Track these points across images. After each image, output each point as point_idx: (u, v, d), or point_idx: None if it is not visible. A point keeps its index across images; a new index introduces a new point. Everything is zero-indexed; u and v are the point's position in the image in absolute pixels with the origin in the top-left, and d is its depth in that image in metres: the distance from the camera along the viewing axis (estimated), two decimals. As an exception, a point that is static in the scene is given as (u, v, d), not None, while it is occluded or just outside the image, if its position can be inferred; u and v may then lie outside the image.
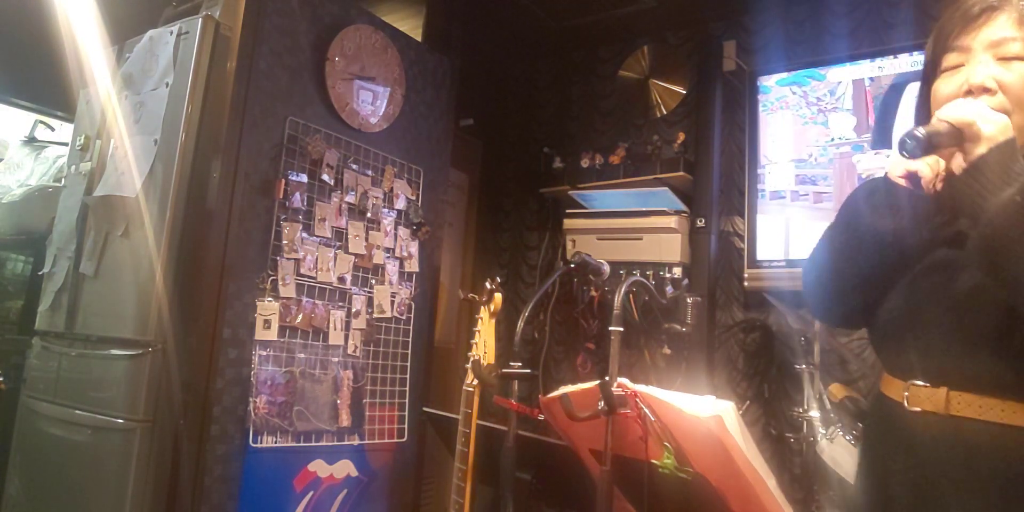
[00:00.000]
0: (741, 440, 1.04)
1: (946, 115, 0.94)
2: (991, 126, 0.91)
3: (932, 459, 1.01)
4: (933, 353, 1.03)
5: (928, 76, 1.10)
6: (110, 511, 1.74)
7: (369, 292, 2.20)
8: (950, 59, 1.04)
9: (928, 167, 0.98)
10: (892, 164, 1.03)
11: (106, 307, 1.95)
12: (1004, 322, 0.95)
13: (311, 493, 2.01)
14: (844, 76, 2.40)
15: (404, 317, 2.32)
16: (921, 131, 0.92)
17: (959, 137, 0.93)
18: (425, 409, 2.09)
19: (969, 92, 0.99)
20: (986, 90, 0.98)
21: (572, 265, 2.03)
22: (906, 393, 1.04)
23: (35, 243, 2.89)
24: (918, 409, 1.02)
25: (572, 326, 2.88)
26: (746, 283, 2.52)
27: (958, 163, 0.95)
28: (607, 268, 2.15)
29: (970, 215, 0.93)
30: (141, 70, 2.05)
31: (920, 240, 1.06)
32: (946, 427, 1.00)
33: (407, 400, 2.28)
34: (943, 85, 1.05)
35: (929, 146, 0.93)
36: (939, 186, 0.99)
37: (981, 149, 0.91)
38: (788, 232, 2.47)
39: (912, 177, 1.00)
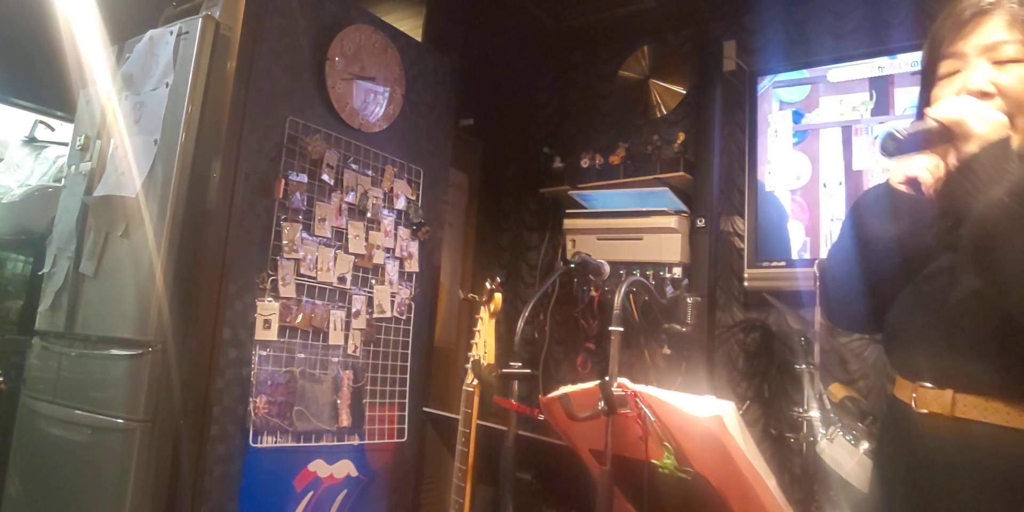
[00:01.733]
0: (741, 440, 1.04)
1: (936, 114, 0.93)
2: (983, 124, 0.90)
3: (936, 460, 1.00)
4: (939, 355, 1.02)
5: (926, 83, 1.09)
6: (110, 511, 1.75)
7: (369, 292, 2.20)
8: (946, 66, 1.04)
9: (928, 172, 0.97)
10: (894, 170, 1.03)
11: (106, 307, 1.95)
12: (1005, 325, 0.94)
13: (311, 493, 2.01)
14: (844, 76, 2.40)
15: (404, 317, 2.32)
16: (901, 131, 0.92)
17: (949, 136, 0.92)
18: (425, 409, 2.09)
19: None
20: (984, 95, 0.97)
21: (572, 265, 2.03)
22: (914, 395, 1.03)
23: (35, 243, 2.89)
24: (925, 411, 1.01)
25: (572, 326, 2.88)
26: (746, 283, 2.52)
27: (952, 162, 0.94)
28: (607, 268, 2.15)
29: (960, 214, 0.92)
30: (141, 70, 2.05)
31: (923, 245, 1.05)
32: (951, 429, 0.99)
33: (407, 400, 2.28)
34: (941, 92, 1.04)
35: (911, 146, 0.93)
36: (930, 180, 0.98)
37: (972, 147, 0.90)
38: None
39: (913, 183, 0.99)
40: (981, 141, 0.90)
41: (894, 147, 0.93)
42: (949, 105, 0.94)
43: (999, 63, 0.98)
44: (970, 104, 0.94)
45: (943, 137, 0.92)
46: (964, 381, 0.99)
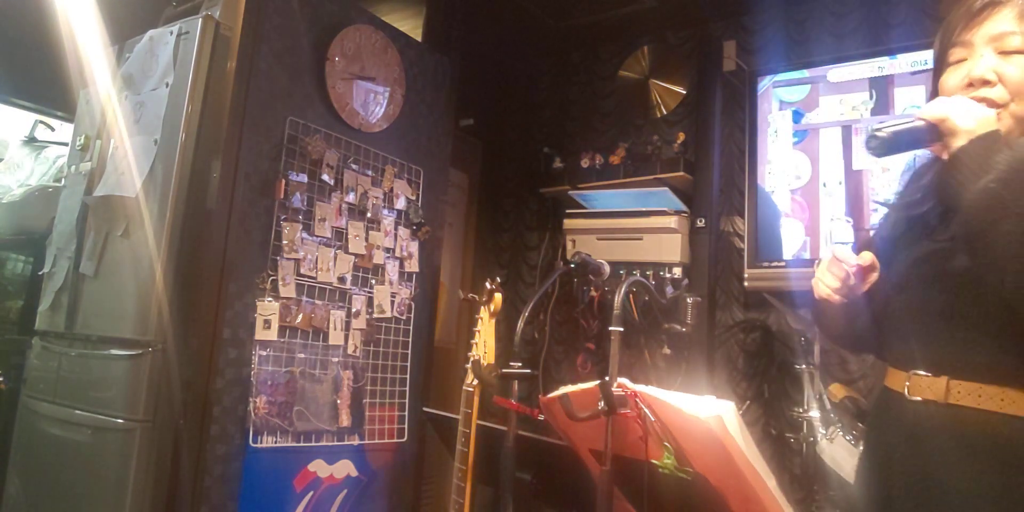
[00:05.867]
0: (741, 440, 1.04)
1: (923, 112, 0.99)
2: (969, 120, 0.95)
3: (930, 448, 1.03)
4: (934, 343, 1.06)
5: (937, 71, 1.15)
6: (110, 511, 1.74)
7: (369, 292, 2.20)
8: (954, 54, 1.08)
9: (832, 292, 1.11)
10: (814, 287, 1.17)
11: (106, 307, 1.95)
12: (1001, 313, 0.98)
13: (311, 493, 2.01)
14: (844, 76, 2.40)
15: (404, 317, 2.31)
16: (883, 130, 0.98)
17: (937, 133, 0.97)
18: (425, 409, 2.09)
19: (970, 85, 1.04)
20: (986, 82, 1.02)
21: (572, 265, 2.03)
22: (907, 383, 1.07)
23: (35, 243, 2.89)
24: (919, 398, 1.05)
25: (572, 326, 2.88)
26: (746, 283, 2.52)
27: (944, 155, 0.99)
28: (607, 268, 2.15)
29: (952, 205, 0.98)
30: (141, 70, 2.05)
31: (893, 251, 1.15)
32: (945, 416, 1.02)
33: (407, 400, 2.28)
34: (949, 78, 1.09)
35: (897, 145, 0.99)
36: (837, 298, 1.12)
37: (960, 142, 0.95)
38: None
39: (824, 301, 1.14)
40: (968, 135, 0.95)
41: (878, 145, 0.99)
42: (936, 103, 0.99)
43: (1004, 53, 1.03)
44: (956, 102, 0.99)
45: (932, 135, 0.98)
46: (959, 368, 1.02)
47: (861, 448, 1.32)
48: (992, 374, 1.00)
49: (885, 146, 0.98)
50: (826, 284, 1.12)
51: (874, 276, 1.14)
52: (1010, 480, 0.97)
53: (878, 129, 0.98)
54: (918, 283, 1.10)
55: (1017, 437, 0.97)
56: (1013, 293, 0.92)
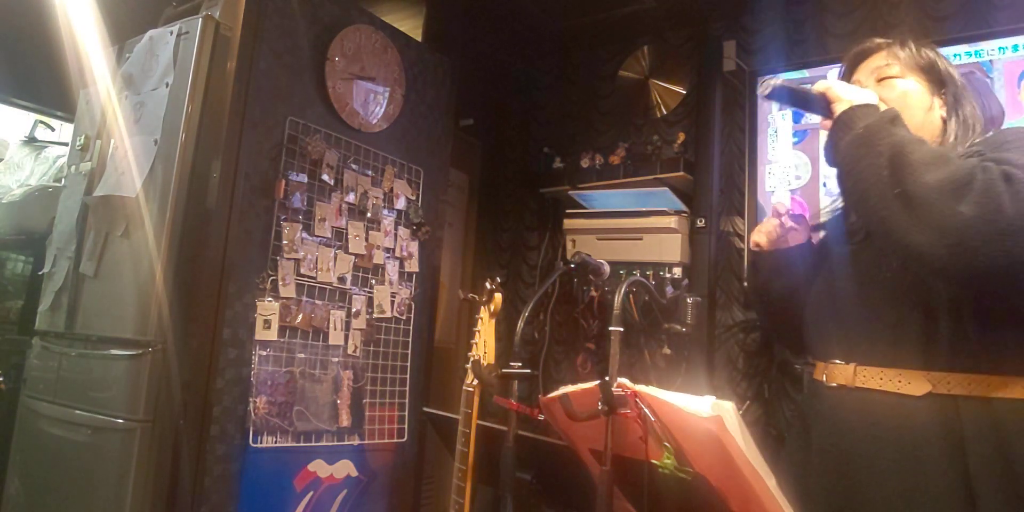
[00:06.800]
0: (741, 440, 1.03)
1: (813, 85, 1.20)
2: (850, 92, 1.15)
3: (842, 429, 1.16)
4: (848, 333, 1.20)
5: None
6: (110, 511, 1.75)
7: (369, 292, 2.20)
8: None
9: (764, 235, 1.39)
10: (753, 236, 1.43)
11: (106, 307, 1.95)
12: (896, 294, 1.11)
13: (311, 493, 2.01)
14: (844, 76, 2.40)
15: (404, 317, 2.32)
16: (776, 81, 1.20)
17: (826, 102, 1.16)
18: (425, 409, 2.09)
19: None
20: None
21: (572, 265, 2.03)
22: (825, 372, 1.22)
23: (35, 243, 2.89)
24: (834, 384, 1.19)
25: (572, 326, 2.88)
26: (746, 283, 2.52)
27: (827, 124, 1.17)
28: (607, 268, 2.14)
29: (834, 161, 1.14)
30: (141, 70, 2.05)
31: (809, 262, 1.35)
32: (854, 398, 1.15)
33: (407, 400, 2.28)
34: None
35: (780, 97, 1.21)
36: (765, 241, 1.39)
37: (841, 106, 1.14)
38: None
39: (756, 245, 1.40)
40: (848, 103, 1.13)
41: (766, 92, 1.20)
42: (822, 81, 1.19)
43: (881, 80, 1.28)
44: (840, 82, 1.19)
45: (821, 104, 1.17)
46: (865, 354, 1.16)
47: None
48: (890, 360, 1.11)
49: (774, 94, 1.20)
50: (763, 230, 1.37)
51: (800, 236, 1.36)
52: (908, 458, 1.07)
53: (772, 80, 1.20)
54: (830, 277, 1.25)
55: (914, 417, 1.07)
56: (876, 226, 1.04)
